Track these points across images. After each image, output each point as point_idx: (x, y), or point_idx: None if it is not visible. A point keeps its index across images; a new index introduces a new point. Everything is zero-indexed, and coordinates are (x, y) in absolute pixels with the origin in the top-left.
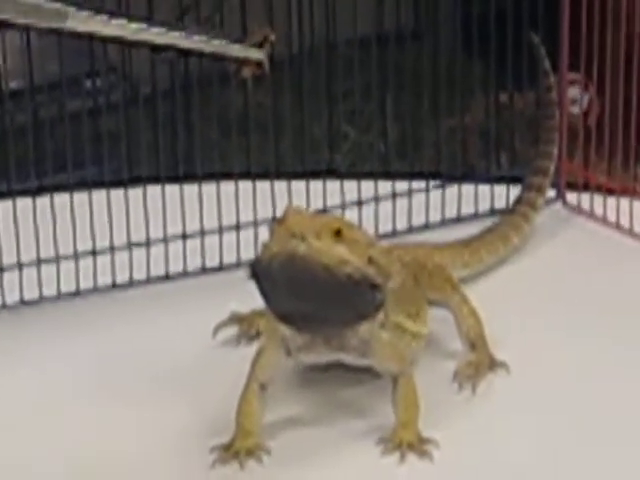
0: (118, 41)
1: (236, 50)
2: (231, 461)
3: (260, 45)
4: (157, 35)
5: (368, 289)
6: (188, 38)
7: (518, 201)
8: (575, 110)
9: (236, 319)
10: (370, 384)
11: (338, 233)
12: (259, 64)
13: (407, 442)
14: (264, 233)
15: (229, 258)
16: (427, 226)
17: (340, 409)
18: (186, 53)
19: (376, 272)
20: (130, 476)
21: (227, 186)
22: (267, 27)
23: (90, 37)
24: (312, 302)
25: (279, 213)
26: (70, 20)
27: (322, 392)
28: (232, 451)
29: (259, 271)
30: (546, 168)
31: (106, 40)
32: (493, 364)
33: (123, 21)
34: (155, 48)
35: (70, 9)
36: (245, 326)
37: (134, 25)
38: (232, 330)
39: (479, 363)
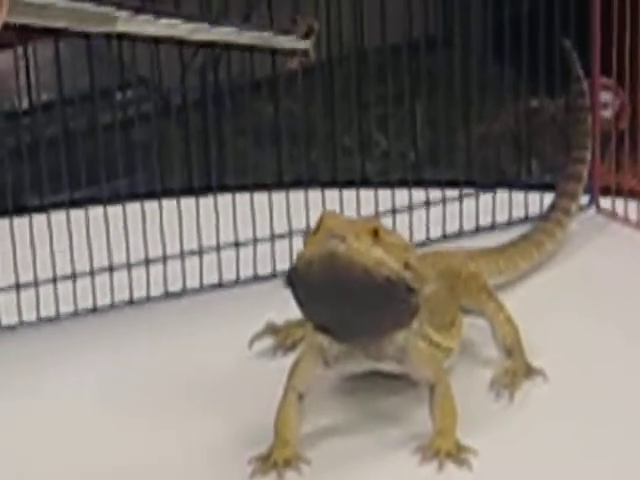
0: (168, 41)
1: (283, 41)
2: (270, 472)
3: (306, 35)
4: (206, 32)
5: (405, 292)
6: (237, 32)
7: (552, 207)
8: (607, 114)
9: (272, 330)
10: (407, 392)
11: (376, 235)
12: (306, 54)
13: (445, 451)
14: (299, 243)
15: (263, 269)
16: (461, 234)
17: (377, 418)
18: (235, 47)
19: (412, 277)
20: None
21: (260, 196)
22: (312, 17)
23: (143, 40)
24: (349, 304)
25: (313, 222)
26: (120, 23)
27: (359, 401)
28: (270, 461)
29: (296, 278)
30: (579, 174)
31: (157, 41)
32: (530, 371)
33: (171, 20)
34: (204, 44)
35: (120, 13)
36: (281, 337)
37: (182, 23)
38: (268, 341)
39: (516, 371)
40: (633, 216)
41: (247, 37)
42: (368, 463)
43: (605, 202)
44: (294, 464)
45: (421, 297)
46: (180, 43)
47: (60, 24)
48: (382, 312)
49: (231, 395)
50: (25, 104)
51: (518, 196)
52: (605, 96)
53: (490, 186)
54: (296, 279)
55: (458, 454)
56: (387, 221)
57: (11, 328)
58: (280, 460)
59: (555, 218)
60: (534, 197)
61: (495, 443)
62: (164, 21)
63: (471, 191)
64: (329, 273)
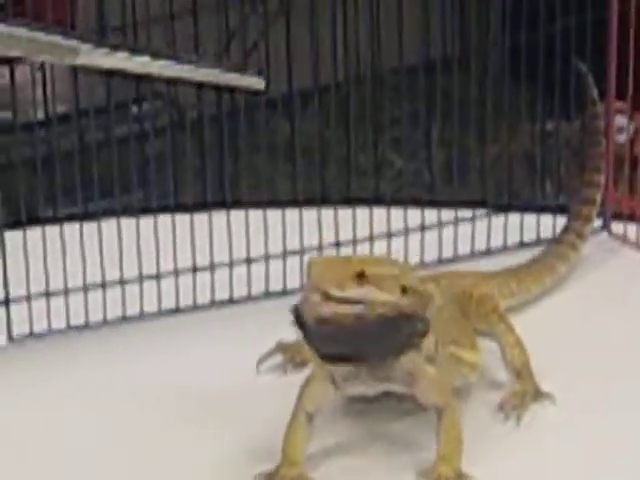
0: (127, 74)
1: (235, 79)
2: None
3: (259, 73)
4: (162, 67)
5: (405, 321)
6: (194, 70)
7: (565, 230)
8: (621, 139)
9: (281, 348)
10: (419, 416)
11: (361, 276)
12: (257, 93)
13: (445, 477)
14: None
15: (275, 285)
16: (473, 254)
17: (386, 441)
18: (190, 83)
19: (412, 301)
20: None
21: (274, 213)
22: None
23: (99, 72)
24: (352, 347)
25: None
26: (81, 56)
27: (369, 423)
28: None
29: (299, 319)
30: (593, 197)
31: (115, 74)
32: (539, 395)
33: (130, 54)
34: (167, 81)
35: (81, 45)
36: (289, 354)
37: (140, 59)
38: (278, 358)
39: (524, 393)
40: None
41: (201, 74)
42: None
43: (617, 227)
44: None
45: (428, 318)
46: (138, 77)
47: (16, 53)
48: (385, 343)
49: (241, 412)
50: (41, 116)
51: (530, 218)
52: (620, 120)
53: (503, 208)
54: (299, 320)
55: None
56: (399, 241)
57: (22, 339)
58: (285, 479)
59: (569, 241)
60: (547, 219)
61: (499, 470)
62: (122, 55)
63: (484, 212)
64: (325, 330)
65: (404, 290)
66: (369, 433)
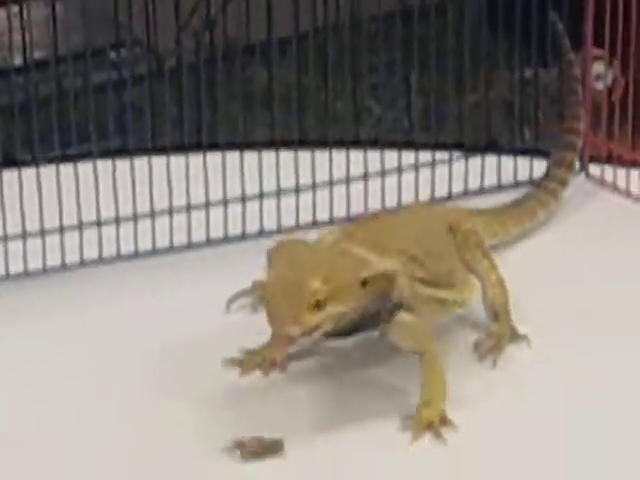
0: None
1: None
2: (239, 364)
3: None
4: None
5: (373, 312)
6: None
7: (547, 177)
8: (599, 86)
9: (256, 287)
10: (405, 361)
11: (317, 304)
12: None
13: (428, 421)
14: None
15: (252, 227)
16: (450, 197)
17: (371, 386)
18: None
19: (375, 289)
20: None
21: (250, 156)
22: None
23: None
24: (330, 337)
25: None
26: None
27: (354, 369)
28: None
29: None
30: (574, 144)
31: None
32: (515, 336)
33: None
34: None
35: None
36: (260, 293)
37: None
38: (249, 298)
39: (501, 335)
40: (622, 183)
41: None
42: (351, 428)
43: (594, 169)
44: (266, 365)
45: (397, 290)
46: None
47: None
48: (362, 328)
49: (214, 350)
50: (18, 62)
51: (507, 160)
52: (598, 68)
53: (480, 149)
54: None
55: (438, 426)
56: (376, 183)
57: None
58: (261, 355)
59: (550, 188)
60: (524, 162)
61: (480, 411)
62: None
63: (460, 154)
64: None
65: (364, 283)
66: (354, 378)
